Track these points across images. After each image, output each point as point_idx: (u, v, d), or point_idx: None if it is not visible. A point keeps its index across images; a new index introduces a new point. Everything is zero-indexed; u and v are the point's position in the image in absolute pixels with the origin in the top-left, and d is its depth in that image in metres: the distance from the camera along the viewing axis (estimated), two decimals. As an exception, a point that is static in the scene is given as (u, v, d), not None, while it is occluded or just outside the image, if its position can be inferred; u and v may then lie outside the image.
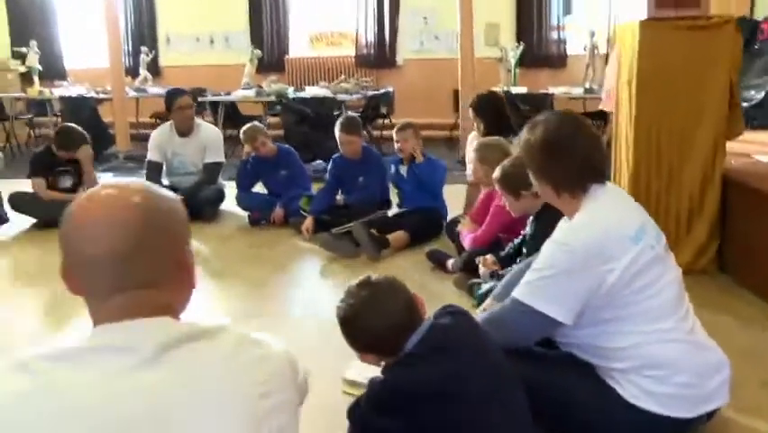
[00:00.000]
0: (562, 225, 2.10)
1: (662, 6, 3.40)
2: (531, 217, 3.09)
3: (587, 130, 2.11)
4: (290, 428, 1.05)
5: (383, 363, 1.83)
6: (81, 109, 8.09)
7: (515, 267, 2.56)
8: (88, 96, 8.47)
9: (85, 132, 5.04)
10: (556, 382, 2.04)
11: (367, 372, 2.51)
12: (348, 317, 1.80)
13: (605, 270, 1.92)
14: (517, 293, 2.03)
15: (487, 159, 3.57)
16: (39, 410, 0.92)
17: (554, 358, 2.14)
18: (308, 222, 4.56)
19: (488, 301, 2.51)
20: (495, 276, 3.08)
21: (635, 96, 3.53)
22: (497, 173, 2.98)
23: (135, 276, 1.03)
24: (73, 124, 5.18)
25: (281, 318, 3.31)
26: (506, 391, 1.75)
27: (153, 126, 8.71)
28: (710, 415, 2.06)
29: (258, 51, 7.61)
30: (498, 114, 4.18)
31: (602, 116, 6.77)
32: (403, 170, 4.58)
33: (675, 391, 1.94)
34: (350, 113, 5.48)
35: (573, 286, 1.95)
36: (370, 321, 1.76)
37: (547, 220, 2.79)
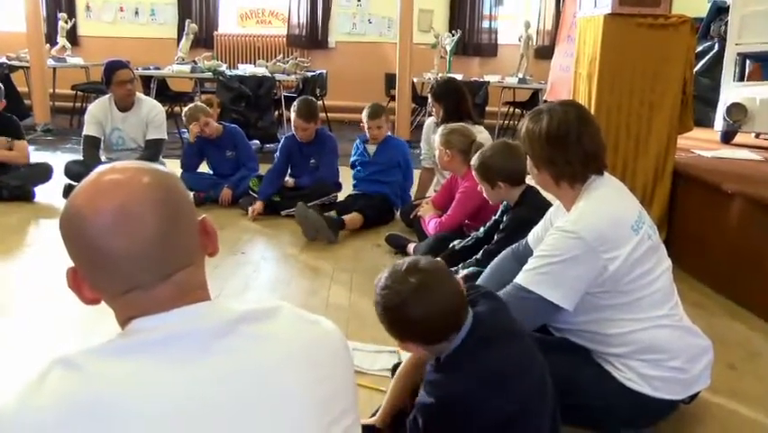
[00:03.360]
0: (567, 215, 2.13)
1: (625, 4, 3.52)
2: (502, 206, 3.15)
3: (592, 121, 2.14)
4: (353, 412, 1.03)
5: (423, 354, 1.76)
6: (-8, 76, 7.59)
7: (503, 252, 2.59)
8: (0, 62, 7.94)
9: None
10: (555, 366, 2.08)
11: (362, 360, 2.51)
12: (395, 304, 1.65)
13: (608, 258, 1.96)
14: (521, 280, 2.05)
15: (452, 144, 3.59)
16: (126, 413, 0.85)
17: (551, 343, 2.18)
18: (258, 206, 4.48)
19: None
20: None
21: (596, 89, 3.64)
22: (474, 161, 2.99)
23: (176, 258, 0.97)
24: None
25: (239, 302, 3.21)
26: (544, 380, 1.75)
27: (73, 99, 8.32)
28: (693, 396, 2.17)
29: (194, 26, 7.35)
30: (457, 100, 4.20)
31: (533, 106, 6.94)
32: (370, 149, 4.53)
33: (669, 374, 2.03)
34: (307, 96, 5.34)
35: (578, 273, 1.98)
36: (419, 309, 1.63)
37: (526, 211, 2.87)
